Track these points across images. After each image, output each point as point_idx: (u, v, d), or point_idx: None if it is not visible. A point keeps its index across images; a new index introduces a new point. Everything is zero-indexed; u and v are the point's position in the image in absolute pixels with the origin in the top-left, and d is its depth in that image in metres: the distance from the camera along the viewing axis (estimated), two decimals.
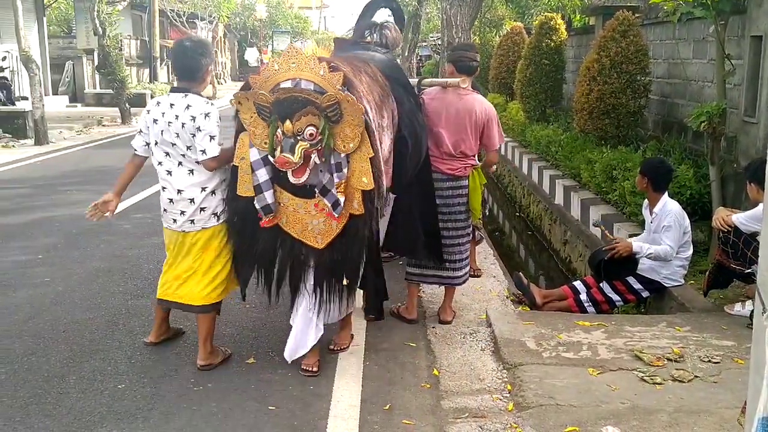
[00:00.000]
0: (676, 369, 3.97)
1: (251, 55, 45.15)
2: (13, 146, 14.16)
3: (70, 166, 12.09)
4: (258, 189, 3.83)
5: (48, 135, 14.67)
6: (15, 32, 14.87)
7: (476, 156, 4.91)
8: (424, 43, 33.34)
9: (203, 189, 4.01)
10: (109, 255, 6.47)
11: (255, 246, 3.98)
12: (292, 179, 3.69)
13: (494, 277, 6.00)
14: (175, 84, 4.20)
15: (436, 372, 4.17)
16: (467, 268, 4.97)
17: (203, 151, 3.89)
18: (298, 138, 3.62)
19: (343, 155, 3.74)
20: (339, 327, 4.39)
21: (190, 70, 4.05)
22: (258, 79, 3.77)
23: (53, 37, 25.01)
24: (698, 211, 6.19)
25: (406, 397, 3.86)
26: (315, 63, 3.67)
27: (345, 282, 3.94)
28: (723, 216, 4.74)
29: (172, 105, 3.95)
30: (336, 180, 3.74)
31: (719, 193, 5.98)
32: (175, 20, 31.83)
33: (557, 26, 11.05)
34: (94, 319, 4.90)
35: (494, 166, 5.39)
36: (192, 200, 4.00)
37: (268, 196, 3.83)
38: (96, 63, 23.05)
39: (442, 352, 4.47)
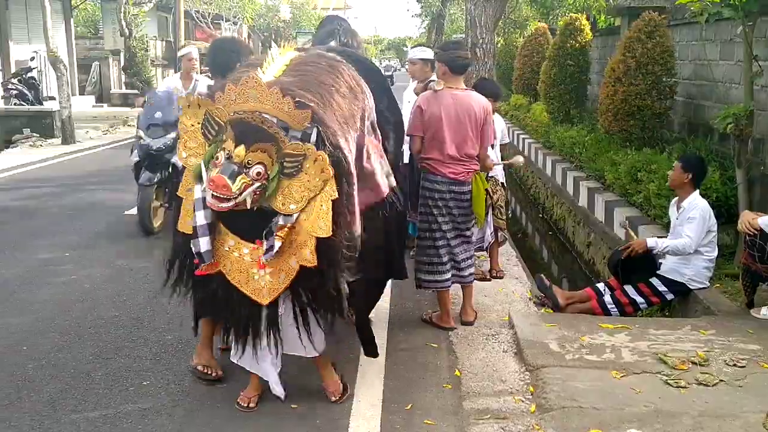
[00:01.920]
0: (701, 373, 3.93)
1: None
2: (41, 145, 14.34)
3: (96, 165, 12.23)
4: (194, 231, 3.29)
5: (75, 135, 14.83)
6: (43, 33, 15.06)
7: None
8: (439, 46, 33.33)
9: None
10: (133, 253, 6.53)
11: (193, 288, 3.55)
12: (212, 201, 3.13)
13: (517, 278, 5.98)
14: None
15: (458, 373, 4.16)
16: (472, 269, 4.97)
17: None
18: (243, 170, 3.13)
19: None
20: (319, 371, 3.85)
21: (220, 67, 4.11)
22: (221, 97, 3.32)
23: (80, 38, 25.32)
24: (724, 214, 6.11)
25: (427, 398, 3.87)
26: (278, 97, 3.20)
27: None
28: (749, 219, 4.69)
29: None
30: (281, 222, 3.21)
31: (746, 195, 5.91)
32: (200, 21, 32.08)
33: (582, 27, 10.99)
34: (119, 317, 4.96)
35: (517, 159, 5.33)
36: None
37: (203, 243, 3.27)
38: (122, 64, 23.35)
39: (464, 353, 4.46)
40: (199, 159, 3.30)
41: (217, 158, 3.18)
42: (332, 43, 4.48)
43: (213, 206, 3.15)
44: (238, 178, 3.10)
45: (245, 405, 3.68)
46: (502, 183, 6.03)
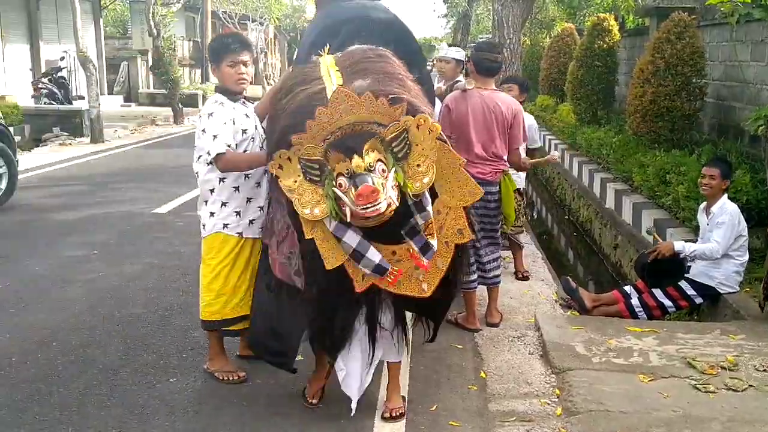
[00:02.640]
0: (730, 378, 3.88)
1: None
2: (70, 144, 14.53)
3: (124, 164, 12.37)
4: (357, 255, 3.16)
5: (103, 133, 15.01)
6: (73, 33, 15.28)
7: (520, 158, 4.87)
8: (473, 44, 33.25)
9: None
10: (161, 252, 6.60)
11: (335, 318, 3.39)
12: (369, 212, 2.98)
13: (543, 280, 5.95)
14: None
15: (483, 375, 4.15)
16: (498, 270, 4.95)
17: (208, 152, 3.64)
18: (372, 174, 3.02)
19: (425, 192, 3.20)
20: (388, 387, 3.73)
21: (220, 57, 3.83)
22: (304, 137, 3.13)
23: (109, 38, 25.59)
24: (755, 217, 6.02)
25: (452, 399, 3.86)
26: (372, 101, 3.11)
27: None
28: None
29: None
30: (420, 221, 3.20)
31: None
32: (227, 22, 32.28)
33: (610, 27, 10.88)
34: (147, 314, 5.01)
35: (553, 155, 5.27)
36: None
37: (372, 255, 3.17)
38: (150, 63, 23.55)
39: (490, 354, 4.45)
40: (323, 204, 3.12)
41: (340, 185, 3.05)
42: None
43: (371, 214, 2.98)
44: (376, 181, 2.99)
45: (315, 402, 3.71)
46: (518, 189, 5.94)
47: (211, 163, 3.66)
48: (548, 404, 3.78)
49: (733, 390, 3.76)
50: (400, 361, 3.68)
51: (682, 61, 7.61)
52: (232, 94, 3.82)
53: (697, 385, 3.82)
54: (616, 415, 3.51)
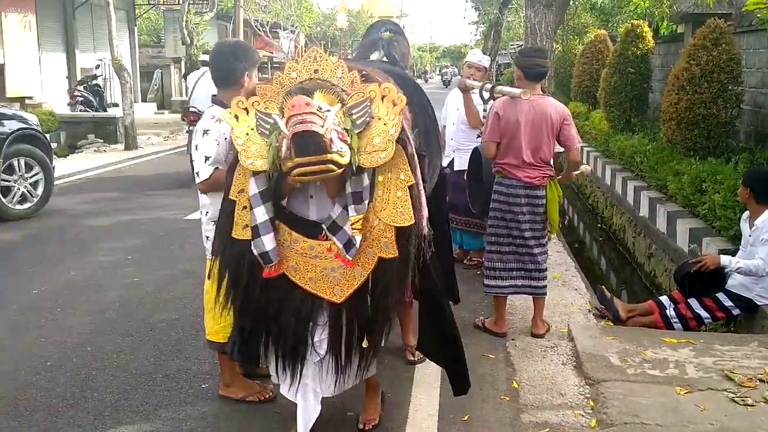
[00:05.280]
0: None
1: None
2: (104, 151, 14.76)
3: (157, 170, 12.51)
4: (255, 231, 3.00)
5: (137, 140, 15.22)
6: (108, 42, 15.53)
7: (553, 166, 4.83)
8: (503, 51, 33.07)
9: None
10: (193, 257, 6.64)
11: (254, 300, 3.12)
12: (299, 127, 2.65)
13: (576, 289, 5.88)
14: None
15: (515, 385, 4.10)
16: (545, 281, 4.89)
17: (197, 173, 3.50)
18: (318, 113, 2.75)
19: (366, 182, 2.95)
20: (366, 397, 3.64)
21: (222, 76, 3.65)
22: (268, 89, 3.05)
23: (143, 47, 25.98)
24: None
25: (485, 409, 3.82)
26: (344, 69, 3.01)
27: (365, 344, 3.11)
28: None
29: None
30: (351, 214, 2.94)
31: None
32: (259, 30, 32.56)
33: (644, 34, 10.76)
34: (179, 320, 5.05)
35: (584, 167, 5.24)
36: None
37: (267, 242, 2.99)
38: (183, 71, 23.82)
39: (522, 365, 4.40)
40: (265, 159, 2.93)
41: (282, 135, 2.79)
42: (374, 56, 4.22)
43: (301, 129, 2.65)
44: (318, 113, 2.72)
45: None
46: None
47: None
48: (582, 416, 3.72)
49: None
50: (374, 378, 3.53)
51: (719, 68, 7.50)
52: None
53: (735, 398, 3.73)
54: (652, 428, 3.45)
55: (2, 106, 9.67)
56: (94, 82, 18.10)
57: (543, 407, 3.85)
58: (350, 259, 2.99)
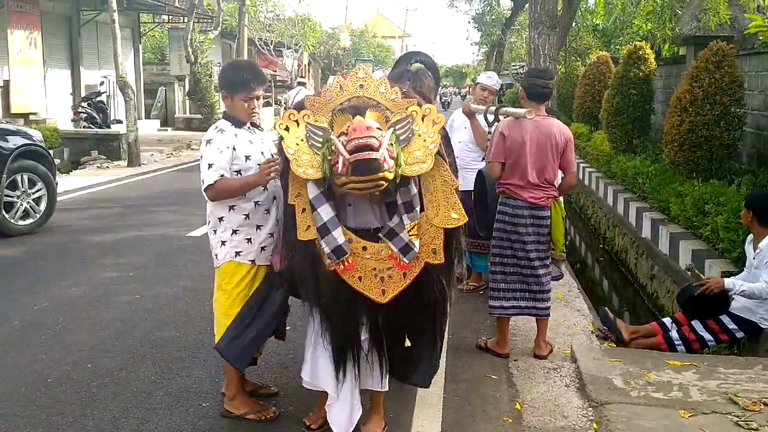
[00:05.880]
0: None
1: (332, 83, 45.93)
2: (108, 167, 14.78)
3: (160, 187, 12.52)
4: (324, 229, 3.19)
5: (140, 157, 15.24)
6: (113, 59, 15.60)
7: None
8: (506, 72, 33.28)
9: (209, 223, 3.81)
10: (196, 274, 6.63)
11: (319, 298, 3.38)
12: (360, 153, 2.90)
13: (578, 311, 5.86)
14: None
15: (518, 406, 4.08)
16: (549, 302, 4.87)
17: (202, 180, 3.60)
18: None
19: (414, 192, 3.20)
20: (370, 409, 3.70)
21: (233, 83, 3.75)
22: (317, 101, 3.29)
23: (148, 64, 26.09)
24: None
25: (487, 430, 3.79)
26: (386, 86, 3.27)
27: (407, 343, 3.38)
28: None
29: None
30: (406, 222, 3.20)
31: None
32: (263, 48, 32.78)
33: (646, 56, 10.82)
34: (180, 338, 5.03)
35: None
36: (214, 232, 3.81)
37: (338, 236, 3.19)
38: (187, 89, 23.96)
39: (525, 386, 4.38)
40: (317, 168, 3.13)
41: (334, 146, 3.02)
42: None
43: (363, 157, 2.90)
44: (376, 136, 2.96)
45: (314, 427, 3.66)
46: None
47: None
48: None
49: None
50: (382, 392, 3.64)
51: (721, 91, 7.52)
52: (240, 121, 3.75)
53: (740, 422, 3.71)
54: None
55: (7, 121, 9.71)
56: (98, 98, 18.15)
57: (546, 429, 3.82)
58: (407, 263, 3.22)
